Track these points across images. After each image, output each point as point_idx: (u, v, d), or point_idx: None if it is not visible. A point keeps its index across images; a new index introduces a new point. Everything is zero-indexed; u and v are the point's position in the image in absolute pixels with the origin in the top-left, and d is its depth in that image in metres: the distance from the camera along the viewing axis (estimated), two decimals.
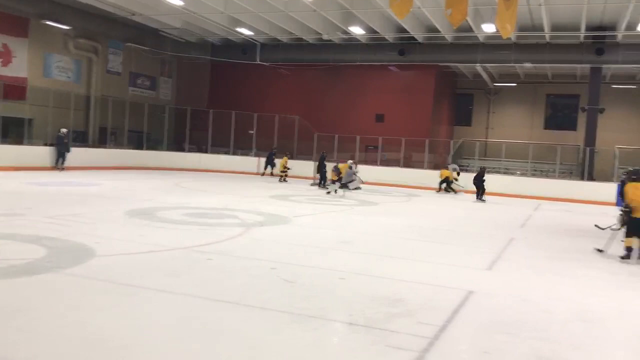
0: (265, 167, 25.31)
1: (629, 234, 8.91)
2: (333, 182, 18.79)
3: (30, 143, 22.22)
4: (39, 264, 6.25)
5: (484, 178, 19.87)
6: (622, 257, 8.90)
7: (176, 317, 4.82)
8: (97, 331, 4.33)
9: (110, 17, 24.62)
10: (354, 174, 20.19)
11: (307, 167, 24.94)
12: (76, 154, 22.03)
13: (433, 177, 23.99)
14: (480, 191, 19.85)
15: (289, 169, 23.43)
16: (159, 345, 4.16)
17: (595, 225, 11.01)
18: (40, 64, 23.99)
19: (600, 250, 9.56)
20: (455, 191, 22.67)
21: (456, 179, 22.88)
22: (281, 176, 23.47)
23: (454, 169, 23.54)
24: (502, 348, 4.55)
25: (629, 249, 8.90)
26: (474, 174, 20.60)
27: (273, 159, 24.94)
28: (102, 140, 26.33)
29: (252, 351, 4.16)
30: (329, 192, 18.39)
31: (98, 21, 24.60)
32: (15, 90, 22.28)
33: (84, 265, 6.37)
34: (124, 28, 25.89)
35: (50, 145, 21.86)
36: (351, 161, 20.52)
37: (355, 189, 20.55)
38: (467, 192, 22.00)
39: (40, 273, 5.91)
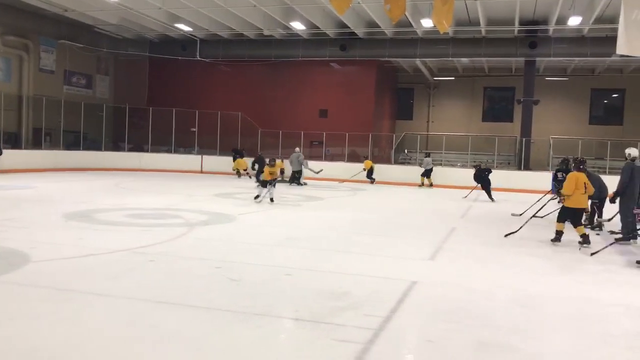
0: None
1: (560, 219, 9.54)
2: (264, 183, 14.68)
3: None
4: None
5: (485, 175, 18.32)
6: (553, 240, 9.59)
7: (118, 321, 4.70)
8: (35, 340, 4.17)
9: (41, 13, 23.65)
10: (303, 161, 20.42)
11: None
12: (8, 156, 21.06)
13: (376, 170, 24.29)
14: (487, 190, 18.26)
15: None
16: (102, 351, 4.04)
17: (512, 214, 12.00)
18: None
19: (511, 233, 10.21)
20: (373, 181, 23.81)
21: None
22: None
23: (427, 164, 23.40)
24: (446, 336, 4.66)
25: (559, 233, 9.56)
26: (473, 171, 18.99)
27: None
28: (37, 141, 25.27)
29: (198, 352, 4.10)
30: (256, 197, 14.49)
31: (28, 17, 23.58)
32: None
33: (19, 272, 6.13)
34: (57, 24, 24.93)
35: None
36: (298, 149, 20.52)
37: (304, 184, 20.57)
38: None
39: None
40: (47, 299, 5.23)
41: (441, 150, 27.44)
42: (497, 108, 33.09)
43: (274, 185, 14.56)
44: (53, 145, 25.77)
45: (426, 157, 23.91)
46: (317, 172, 22.52)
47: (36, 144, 25.13)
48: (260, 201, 14.22)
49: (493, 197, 17.98)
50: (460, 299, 5.79)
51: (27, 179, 18.85)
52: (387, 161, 27.52)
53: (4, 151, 20.88)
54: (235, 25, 24.77)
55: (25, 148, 24.31)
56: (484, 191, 18.16)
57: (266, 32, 25.44)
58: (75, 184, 18.03)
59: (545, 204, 12.16)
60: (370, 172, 23.92)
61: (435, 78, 32.68)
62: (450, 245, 9.19)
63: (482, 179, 18.14)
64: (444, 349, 4.37)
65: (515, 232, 10.21)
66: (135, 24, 25.69)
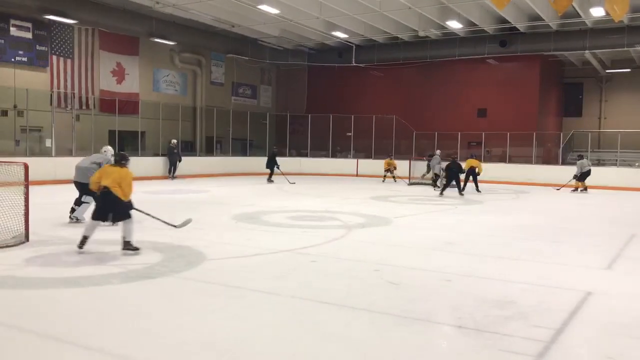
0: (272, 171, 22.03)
1: None
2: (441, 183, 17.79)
3: (144, 154, 23.67)
4: (155, 269, 6.61)
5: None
6: None
7: (283, 318, 4.91)
8: (209, 333, 4.50)
9: (211, 31, 25.72)
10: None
11: (406, 167, 24.58)
12: (185, 163, 23.27)
13: (540, 171, 22.87)
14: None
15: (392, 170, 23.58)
16: (267, 347, 4.25)
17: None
18: (150, 79, 25.53)
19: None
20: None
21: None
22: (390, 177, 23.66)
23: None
24: (626, 353, 4.22)
25: None
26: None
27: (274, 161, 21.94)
28: (209, 148, 27.56)
29: (359, 354, 4.14)
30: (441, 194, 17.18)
31: (200, 35, 25.77)
32: (128, 105, 23.87)
33: (196, 269, 6.67)
34: (225, 40, 26.93)
35: (163, 155, 23.20)
36: (439, 151, 20.08)
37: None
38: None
39: (157, 277, 6.25)
40: (219, 294, 5.63)
41: (616, 150, 25.06)
42: None
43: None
44: (223, 152, 27.91)
45: (581, 159, 20.19)
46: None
47: (209, 151, 27.39)
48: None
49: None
50: None
51: (201, 183, 20.58)
52: (554, 161, 25.78)
53: (183, 158, 23.09)
54: (390, 29, 24.84)
55: (200, 155, 26.60)
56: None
57: (421, 34, 25.18)
58: (243, 187, 19.29)
59: None
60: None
61: (608, 71, 29.91)
62: (629, 253, 8.34)
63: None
64: None
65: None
66: (295, 35, 26.86)
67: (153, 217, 8.30)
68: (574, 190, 19.91)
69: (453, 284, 6.23)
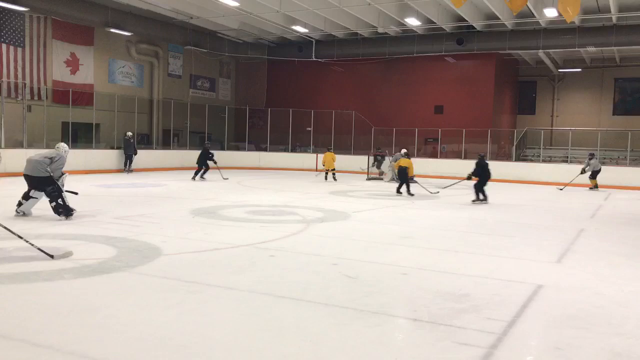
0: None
1: None
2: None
3: (98, 147, 23.13)
4: (110, 264, 6.48)
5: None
6: None
7: (241, 313, 4.89)
8: (165, 329, 4.45)
9: (169, 22, 25.30)
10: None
11: (365, 162, 24.81)
12: (141, 156, 22.86)
13: (494, 167, 23.35)
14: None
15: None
16: (224, 342, 4.22)
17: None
18: (105, 70, 24.95)
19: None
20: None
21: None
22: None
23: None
24: (575, 343, 4.37)
25: None
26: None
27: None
28: (166, 142, 27.14)
29: (316, 347, 4.17)
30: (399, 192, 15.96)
31: (158, 26, 25.33)
32: (82, 96, 23.28)
33: (152, 264, 6.57)
34: (183, 32, 26.54)
35: (118, 148, 22.74)
36: (404, 150, 19.85)
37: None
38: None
39: (111, 272, 6.13)
40: (176, 289, 5.56)
41: (567, 147, 25.86)
42: (630, 100, 30.54)
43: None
44: (180, 145, 27.54)
45: (592, 157, 20.38)
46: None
47: (165, 145, 26.98)
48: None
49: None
50: (590, 305, 5.41)
51: (158, 177, 20.26)
52: (507, 158, 26.42)
53: (139, 151, 22.67)
54: (349, 25, 24.95)
55: (156, 148, 26.16)
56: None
57: (380, 30, 25.38)
58: (201, 181, 19.06)
59: None
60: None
61: (560, 70, 30.82)
62: (578, 248, 8.62)
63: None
64: (573, 357, 4.10)
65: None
66: (255, 28, 26.68)
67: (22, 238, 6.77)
68: (592, 189, 20.29)
69: (409, 278, 6.32)
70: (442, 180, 21.30)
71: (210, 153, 19.80)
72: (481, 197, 14.88)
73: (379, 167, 23.12)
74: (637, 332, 4.72)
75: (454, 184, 17.27)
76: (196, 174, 19.58)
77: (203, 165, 19.65)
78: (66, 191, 9.71)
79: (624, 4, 21.00)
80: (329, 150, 21.62)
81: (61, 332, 4.29)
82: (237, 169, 26.16)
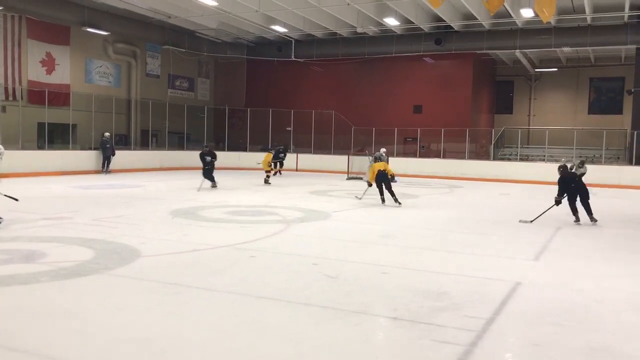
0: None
1: None
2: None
3: (75, 148, 22.81)
4: (87, 266, 6.40)
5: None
6: None
7: (221, 314, 4.87)
8: (144, 331, 4.41)
9: (147, 21, 25.04)
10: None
11: (344, 163, 24.84)
12: (119, 157, 22.60)
13: (472, 166, 23.61)
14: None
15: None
16: (204, 343, 4.20)
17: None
18: (82, 70, 24.60)
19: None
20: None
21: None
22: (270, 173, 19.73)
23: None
24: (553, 340, 4.43)
25: None
26: None
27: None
28: (144, 142, 26.86)
29: (297, 347, 4.16)
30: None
31: (135, 26, 25.04)
32: (59, 97, 22.94)
33: (131, 266, 6.50)
34: (161, 31, 26.29)
35: (95, 149, 22.46)
36: (384, 150, 19.51)
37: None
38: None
39: (89, 274, 6.05)
40: (154, 291, 5.51)
41: (544, 145, 26.20)
42: (604, 100, 31.04)
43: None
44: (159, 145, 27.28)
45: (583, 165, 19.24)
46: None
47: (144, 145, 26.69)
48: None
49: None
50: (567, 302, 5.48)
51: (136, 178, 20.06)
52: (486, 157, 26.68)
53: (117, 152, 22.41)
54: (328, 24, 24.96)
55: (134, 149, 25.87)
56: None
57: (359, 30, 25.43)
58: (180, 182, 18.93)
59: None
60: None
61: (537, 70, 31.21)
62: (556, 245, 8.74)
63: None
64: (551, 353, 4.16)
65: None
66: (233, 28, 26.55)
67: None
68: None
69: (389, 277, 6.35)
70: (423, 179, 21.38)
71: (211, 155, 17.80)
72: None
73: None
74: (613, 327, 4.80)
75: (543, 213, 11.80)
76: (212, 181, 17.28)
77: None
78: (5, 196, 9.17)
79: (598, 5, 21.34)
80: (269, 151, 20.26)
81: (38, 336, 4.22)
82: (217, 169, 25.91)
